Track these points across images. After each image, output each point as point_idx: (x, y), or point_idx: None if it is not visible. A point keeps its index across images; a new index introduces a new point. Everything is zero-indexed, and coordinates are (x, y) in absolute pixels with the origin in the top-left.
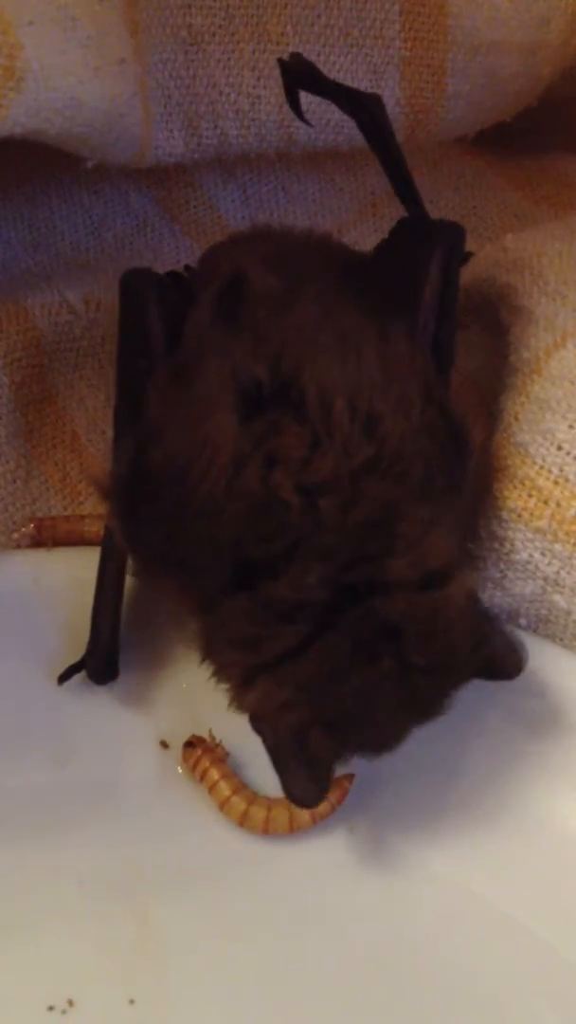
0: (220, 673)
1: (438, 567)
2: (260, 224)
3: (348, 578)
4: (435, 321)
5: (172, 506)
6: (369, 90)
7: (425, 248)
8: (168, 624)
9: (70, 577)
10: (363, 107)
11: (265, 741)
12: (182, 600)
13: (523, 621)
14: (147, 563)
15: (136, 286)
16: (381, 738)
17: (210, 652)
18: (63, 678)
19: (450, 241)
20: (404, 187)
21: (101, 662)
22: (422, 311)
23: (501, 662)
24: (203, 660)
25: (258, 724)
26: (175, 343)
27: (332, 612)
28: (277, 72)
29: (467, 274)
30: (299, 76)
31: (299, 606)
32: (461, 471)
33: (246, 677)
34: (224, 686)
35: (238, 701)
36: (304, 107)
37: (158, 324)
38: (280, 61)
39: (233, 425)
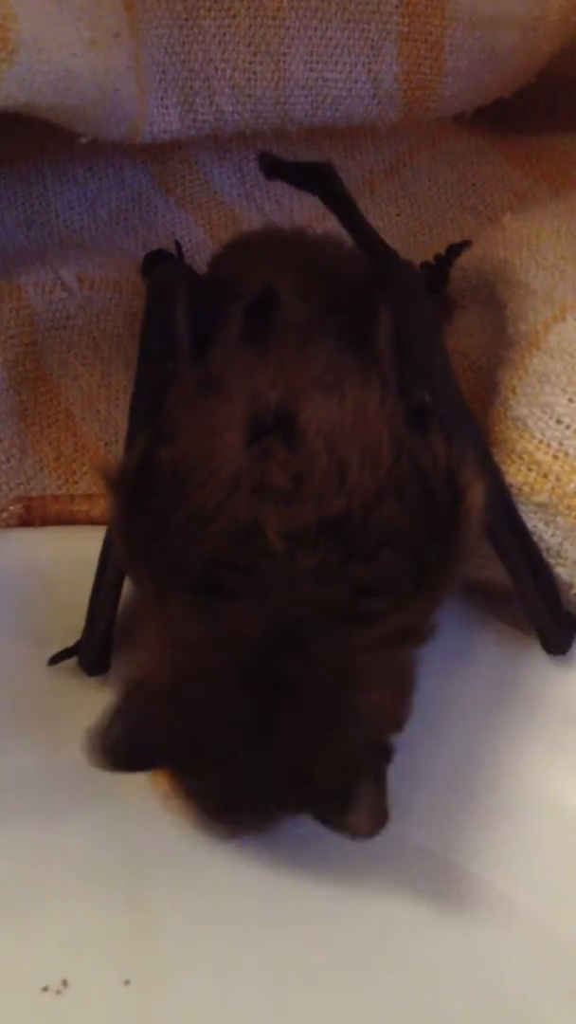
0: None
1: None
2: (271, 226)
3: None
4: (396, 368)
5: (165, 503)
6: (367, 67)
7: (376, 293)
8: None
9: (64, 557)
10: (320, 178)
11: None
12: (146, 589)
13: None
14: (130, 552)
15: (164, 283)
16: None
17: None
18: (54, 660)
19: (401, 281)
20: (369, 243)
21: (94, 656)
22: (381, 360)
23: (353, 809)
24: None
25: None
26: (201, 347)
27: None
28: (273, 47)
29: (465, 255)
30: (271, 168)
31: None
32: (444, 542)
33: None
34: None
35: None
36: (302, 82)
37: (186, 329)
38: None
39: (239, 446)
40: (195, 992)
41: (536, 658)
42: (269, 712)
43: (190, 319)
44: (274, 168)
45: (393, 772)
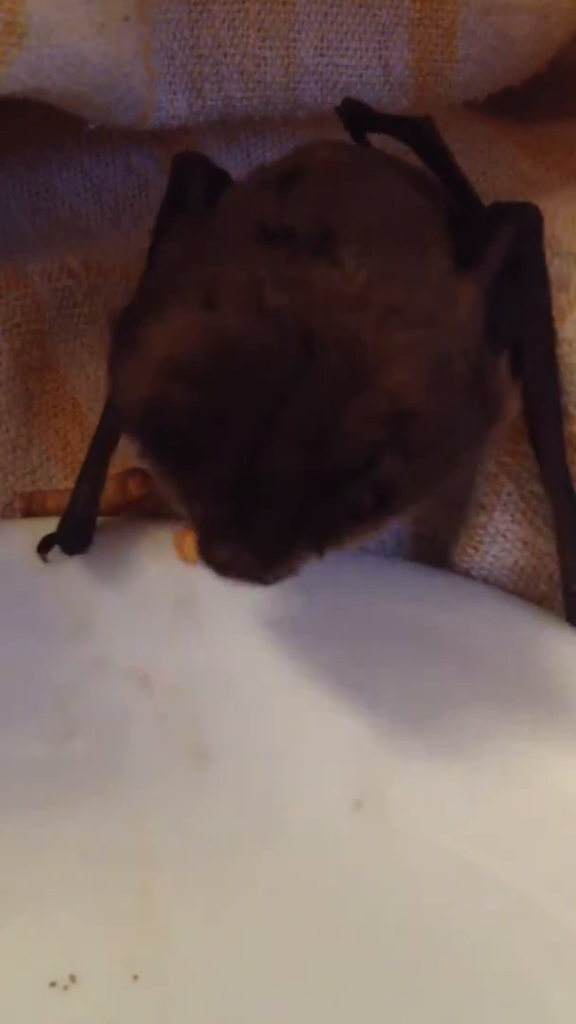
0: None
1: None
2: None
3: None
4: (496, 283)
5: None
6: (378, 52)
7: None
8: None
9: None
10: (416, 132)
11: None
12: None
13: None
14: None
15: (185, 166)
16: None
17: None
18: (41, 549)
19: (524, 218)
20: (468, 197)
21: (73, 533)
22: (484, 266)
23: None
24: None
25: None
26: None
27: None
28: (283, 33)
29: None
30: (355, 117)
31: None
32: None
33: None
34: None
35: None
36: (312, 68)
37: (199, 192)
38: (336, 110)
39: (254, 247)
40: (203, 987)
41: (547, 651)
42: (303, 371)
43: (205, 189)
44: (363, 117)
45: (397, 763)
